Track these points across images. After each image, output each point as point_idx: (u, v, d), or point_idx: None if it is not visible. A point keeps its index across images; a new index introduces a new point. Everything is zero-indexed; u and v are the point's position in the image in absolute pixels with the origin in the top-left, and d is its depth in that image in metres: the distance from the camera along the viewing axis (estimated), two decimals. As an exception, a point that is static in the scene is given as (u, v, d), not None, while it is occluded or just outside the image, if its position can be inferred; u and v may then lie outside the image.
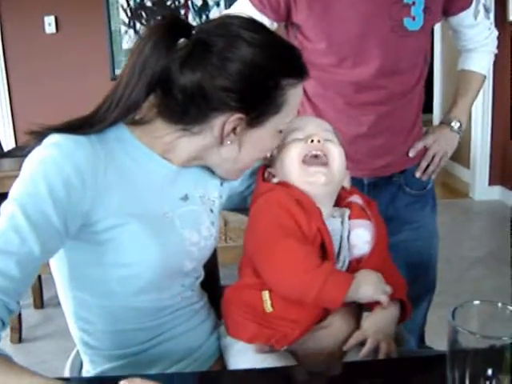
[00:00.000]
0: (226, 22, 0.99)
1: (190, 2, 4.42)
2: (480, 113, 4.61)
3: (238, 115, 0.97)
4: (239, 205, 1.24)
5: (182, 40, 0.98)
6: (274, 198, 1.04)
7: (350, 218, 1.06)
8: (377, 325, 0.99)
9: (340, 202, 1.11)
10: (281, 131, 1.04)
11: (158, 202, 1.03)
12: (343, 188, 1.12)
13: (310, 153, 1.04)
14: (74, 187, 0.90)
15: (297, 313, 1.00)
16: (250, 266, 1.05)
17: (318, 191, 1.04)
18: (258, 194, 1.09)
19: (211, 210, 1.13)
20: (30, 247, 0.86)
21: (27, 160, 0.92)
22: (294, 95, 1.01)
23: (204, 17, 4.42)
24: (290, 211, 1.00)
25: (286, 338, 1.00)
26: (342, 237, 1.04)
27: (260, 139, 1.03)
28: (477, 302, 0.74)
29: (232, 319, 1.07)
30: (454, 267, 3.44)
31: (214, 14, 4.41)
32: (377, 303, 1.00)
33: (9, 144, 4.15)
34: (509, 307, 0.73)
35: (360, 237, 1.05)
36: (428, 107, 6.23)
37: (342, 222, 1.05)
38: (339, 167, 1.06)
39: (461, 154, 5.20)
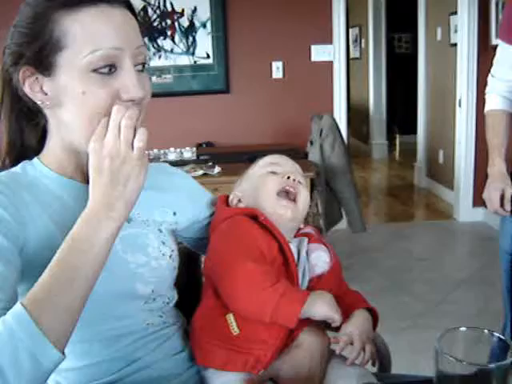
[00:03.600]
0: None
1: (176, 24, 4.45)
2: (464, 134, 4.67)
3: (23, 68, 0.93)
4: (198, 234, 1.22)
5: None
6: (237, 222, 1.10)
7: (309, 243, 1.14)
8: (359, 328, 1.04)
9: (296, 235, 1.18)
10: (95, 70, 0.91)
11: None
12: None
13: (285, 188, 1.14)
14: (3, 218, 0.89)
15: (264, 332, 1.00)
16: (211, 288, 1.07)
17: (283, 224, 1.11)
18: (219, 219, 1.14)
19: (160, 230, 1.10)
20: None
21: None
22: (78, 24, 0.90)
23: (190, 38, 4.45)
24: (251, 234, 1.07)
25: (260, 361, 0.99)
26: (300, 257, 1.11)
27: (67, 85, 0.92)
28: (463, 329, 0.74)
29: (200, 346, 1.06)
30: (437, 289, 3.46)
31: (201, 34, 4.44)
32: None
33: None
34: (495, 333, 0.73)
35: (320, 257, 1.12)
36: (412, 129, 6.34)
37: (299, 247, 1.12)
38: (303, 208, 1.16)
39: (445, 176, 5.25)
